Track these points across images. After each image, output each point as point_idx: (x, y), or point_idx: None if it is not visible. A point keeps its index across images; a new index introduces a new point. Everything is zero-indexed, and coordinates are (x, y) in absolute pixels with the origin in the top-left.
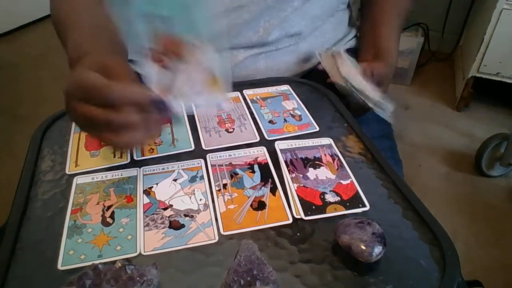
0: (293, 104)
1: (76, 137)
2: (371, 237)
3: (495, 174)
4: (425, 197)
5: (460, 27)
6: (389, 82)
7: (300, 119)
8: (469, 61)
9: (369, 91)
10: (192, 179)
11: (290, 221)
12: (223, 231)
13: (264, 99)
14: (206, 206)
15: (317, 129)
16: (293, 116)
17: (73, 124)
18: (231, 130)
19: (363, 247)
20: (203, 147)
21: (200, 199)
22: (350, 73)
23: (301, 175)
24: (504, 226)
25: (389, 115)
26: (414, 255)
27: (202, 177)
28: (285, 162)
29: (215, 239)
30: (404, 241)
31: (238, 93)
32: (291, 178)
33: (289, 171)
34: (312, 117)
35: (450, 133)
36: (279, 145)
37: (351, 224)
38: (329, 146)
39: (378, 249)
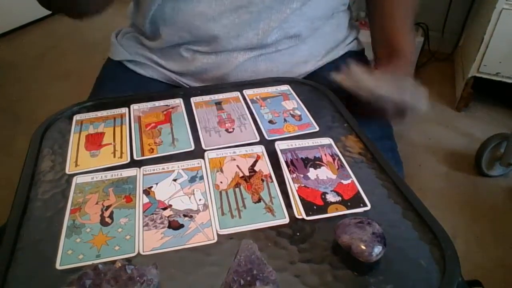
0: (293, 104)
1: (76, 137)
2: (371, 237)
3: (495, 174)
4: (425, 197)
5: (460, 27)
6: (409, 76)
7: (300, 119)
8: (469, 61)
9: (397, 94)
10: (192, 179)
11: (290, 221)
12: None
13: (264, 99)
14: (205, 206)
15: (317, 129)
16: (293, 116)
17: (73, 124)
18: (231, 130)
19: (363, 247)
20: (203, 147)
21: (200, 199)
22: (371, 83)
23: (302, 175)
24: (504, 226)
25: (423, 103)
26: (414, 255)
27: (201, 177)
28: (286, 162)
29: (214, 239)
30: (404, 241)
31: (238, 93)
32: (292, 178)
33: (289, 171)
34: (312, 117)
35: (450, 133)
36: (279, 145)
37: (351, 224)
38: (329, 146)
39: (378, 249)
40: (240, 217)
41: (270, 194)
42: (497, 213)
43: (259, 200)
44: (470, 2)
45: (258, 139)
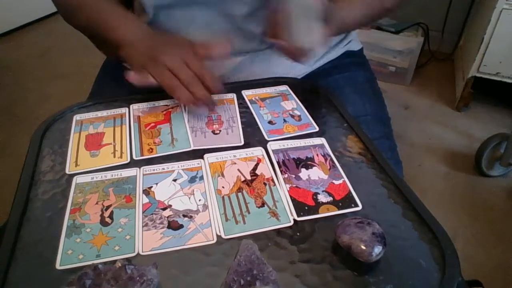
0: (292, 104)
1: (76, 137)
2: (371, 237)
3: (495, 174)
4: (425, 197)
5: (460, 27)
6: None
7: (300, 119)
8: (469, 61)
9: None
10: (192, 180)
11: (291, 221)
12: None
13: (263, 99)
14: (205, 206)
15: (317, 129)
16: (292, 116)
17: (73, 124)
18: (218, 132)
19: (363, 247)
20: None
21: (199, 200)
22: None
23: (294, 176)
24: (504, 226)
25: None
26: (414, 255)
27: (201, 178)
28: (278, 162)
29: (213, 240)
30: (404, 241)
31: (233, 95)
32: (284, 179)
33: (281, 171)
34: (312, 117)
35: (450, 133)
36: (271, 146)
37: (351, 224)
38: (321, 146)
39: (378, 249)
40: (244, 222)
41: (273, 198)
42: (497, 213)
43: (262, 205)
44: (470, 2)
45: (242, 143)
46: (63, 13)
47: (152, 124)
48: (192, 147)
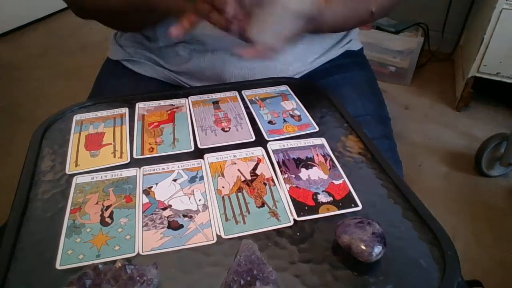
0: (292, 104)
1: (76, 137)
2: (371, 237)
3: (495, 174)
4: (425, 197)
5: (460, 27)
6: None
7: (300, 119)
8: (469, 61)
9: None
10: (192, 180)
11: (291, 221)
12: None
13: (263, 99)
14: (205, 206)
15: (317, 129)
16: (292, 116)
17: (73, 124)
18: (227, 129)
19: (363, 247)
20: (199, 146)
21: (199, 200)
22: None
23: (294, 176)
24: (504, 226)
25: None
26: (414, 255)
27: (202, 178)
28: (278, 162)
29: (213, 240)
30: (404, 241)
31: (236, 92)
32: (284, 179)
33: (281, 171)
34: (312, 117)
35: (450, 133)
36: (271, 146)
37: (351, 224)
38: (321, 146)
39: (378, 249)
40: (244, 222)
41: (273, 198)
42: (497, 213)
43: (262, 205)
44: (470, 2)
45: (253, 138)
46: None
47: (156, 123)
48: (198, 147)
